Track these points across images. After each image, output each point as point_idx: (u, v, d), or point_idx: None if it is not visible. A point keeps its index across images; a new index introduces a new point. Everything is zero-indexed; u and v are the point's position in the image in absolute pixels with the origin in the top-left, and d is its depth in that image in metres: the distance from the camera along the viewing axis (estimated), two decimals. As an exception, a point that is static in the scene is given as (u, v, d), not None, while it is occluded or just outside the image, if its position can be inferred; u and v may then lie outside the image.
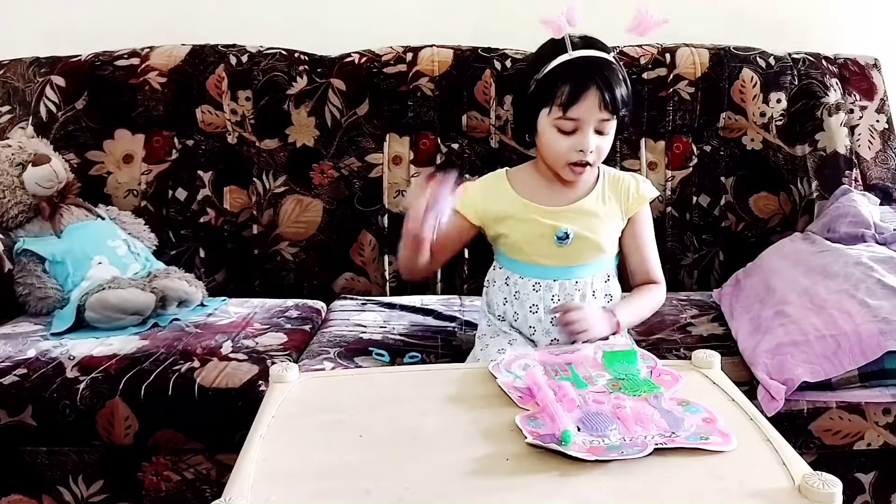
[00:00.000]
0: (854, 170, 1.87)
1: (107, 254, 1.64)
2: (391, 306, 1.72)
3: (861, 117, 1.91)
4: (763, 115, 1.88)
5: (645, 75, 1.86)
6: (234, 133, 1.85)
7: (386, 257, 1.83)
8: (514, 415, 0.95)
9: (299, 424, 0.97)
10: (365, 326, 1.58)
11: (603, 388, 1.03)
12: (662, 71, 1.86)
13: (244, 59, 1.86)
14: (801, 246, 1.67)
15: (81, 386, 1.31)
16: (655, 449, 0.86)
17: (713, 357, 1.11)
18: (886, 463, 1.37)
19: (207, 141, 1.86)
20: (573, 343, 1.23)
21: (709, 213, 1.87)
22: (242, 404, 1.28)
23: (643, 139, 1.88)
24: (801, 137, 1.89)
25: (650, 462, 0.85)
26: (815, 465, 0.84)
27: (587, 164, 1.27)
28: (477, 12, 2.03)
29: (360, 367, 1.37)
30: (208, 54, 1.86)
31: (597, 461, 0.84)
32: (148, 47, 1.87)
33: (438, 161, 1.85)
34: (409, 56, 1.87)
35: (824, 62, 1.92)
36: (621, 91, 1.25)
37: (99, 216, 1.73)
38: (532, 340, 1.33)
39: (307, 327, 1.59)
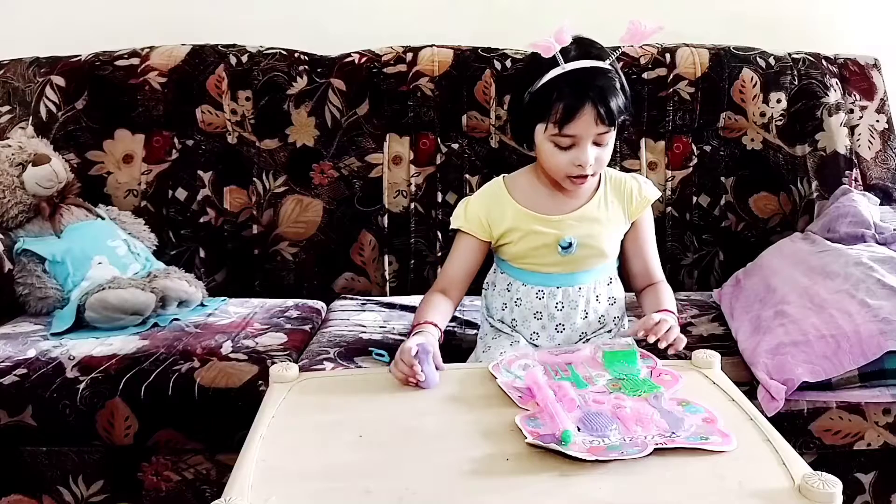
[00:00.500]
0: (854, 170, 1.87)
1: (107, 254, 1.64)
2: (391, 306, 1.72)
3: (861, 117, 1.91)
4: (763, 115, 1.88)
5: (645, 75, 1.86)
6: (234, 133, 1.85)
7: (386, 257, 1.83)
8: (514, 415, 0.95)
9: (299, 424, 0.97)
10: (365, 326, 1.58)
11: (603, 388, 1.03)
12: (662, 71, 1.86)
13: (244, 59, 1.86)
14: (801, 246, 1.67)
15: (81, 386, 1.31)
16: (655, 449, 0.86)
17: (713, 357, 1.11)
18: (886, 463, 1.37)
19: (207, 141, 1.86)
20: (666, 351, 1.17)
21: (709, 213, 1.87)
22: (242, 404, 1.28)
23: (643, 139, 1.88)
24: (801, 137, 1.89)
25: (650, 462, 0.85)
26: (815, 465, 0.84)
27: (587, 175, 1.25)
28: (477, 12, 2.03)
29: (360, 367, 1.37)
30: (208, 54, 1.86)
31: (596, 461, 0.85)
32: (148, 47, 1.87)
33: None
34: (409, 56, 1.86)
35: (824, 62, 1.92)
36: (618, 101, 1.21)
37: (99, 216, 1.73)
38: (535, 345, 1.33)
39: (307, 327, 1.59)
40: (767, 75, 1.88)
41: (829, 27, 2.08)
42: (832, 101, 1.89)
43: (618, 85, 1.22)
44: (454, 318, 1.60)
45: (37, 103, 1.83)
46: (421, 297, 1.75)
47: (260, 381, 1.32)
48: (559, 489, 0.81)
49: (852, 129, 1.90)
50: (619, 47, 1.25)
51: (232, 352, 1.41)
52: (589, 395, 1.00)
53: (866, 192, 1.82)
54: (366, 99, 1.85)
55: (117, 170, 1.84)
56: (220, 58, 1.85)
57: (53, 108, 1.83)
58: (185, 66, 1.84)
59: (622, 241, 1.36)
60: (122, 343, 1.44)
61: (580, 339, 1.33)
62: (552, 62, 1.21)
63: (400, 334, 1.53)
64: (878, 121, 1.91)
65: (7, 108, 1.85)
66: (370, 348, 1.42)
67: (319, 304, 1.75)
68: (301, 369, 1.19)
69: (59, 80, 1.84)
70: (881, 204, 1.78)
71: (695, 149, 1.89)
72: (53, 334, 1.49)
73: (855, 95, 1.91)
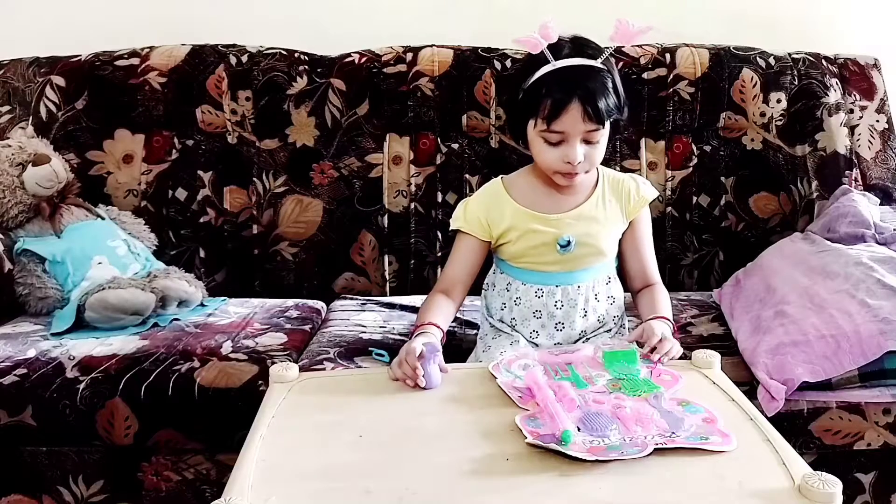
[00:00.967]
0: (854, 170, 1.87)
1: (107, 254, 1.64)
2: (391, 306, 1.72)
3: (861, 117, 1.91)
4: (763, 115, 1.88)
5: (645, 75, 1.86)
6: (234, 133, 1.85)
7: (386, 257, 1.83)
8: (514, 415, 0.95)
9: (299, 424, 0.97)
10: (365, 326, 1.58)
11: (603, 388, 1.03)
12: (662, 71, 1.86)
13: (244, 59, 1.86)
14: (801, 246, 1.67)
15: (81, 386, 1.31)
16: (655, 449, 0.86)
17: (713, 357, 1.11)
18: (886, 463, 1.37)
19: (207, 141, 1.86)
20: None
21: (709, 213, 1.87)
22: (242, 404, 1.28)
23: (643, 139, 1.88)
24: (801, 137, 1.89)
25: (650, 462, 0.85)
26: (815, 465, 0.84)
27: (577, 172, 1.26)
28: (477, 12, 2.03)
29: (360, 367, 1.37)
30: (208, 54, 1.86)
31: (596, 461, 0.85)
32: (148, 47, 1.87)
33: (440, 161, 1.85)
34: (409, 56, 1.86)
35: (824, 62, 1.92)
36: (607, 100, 1.21)
37: (99, 216, 1.73)
38: (535, 344, 1.33)
39: (307, 327, 1.59)
40: (767, 75, 1.88)
41: (829, 27, 2.08)
42: (832, 101, 1.89)
43: (609, 84, 1.23)
44: (454, 319, 1.60)
45: (37, 103, 1.83)
46: (421, 296, 1.76)
47: (260, 381, 1.32)
48: (559, 489, 0.81)
49: (852, 129, 1.90)
50: (621, 47, 1.26)
51: (232, 352, 1.41)
52: (589, 395, 1.00)
53: (866, 192, 1.82)
54: (366, 99, 1.85)
55: (117, 170, 1.84)
56: (220, 58, 1.85)
57: (53, 108, 1.83)
58: (185, 66, 1.84)
59: (620, 241, 1.36)
60: (122, 343, 1.44)
61: (580, 339, 1.33)
62: (545, 60, 1.22)
63: (400, 334, 1.53)
64: (878, 121, 1.91)
65: (7, 108, 1.85)
66: (370, 348, 1.42)
67: (319, 304, 1.75)
68: (301, 369, 1.19)
69: (59, 80, 1.84)
70: (881, 204, 1.78)
71: (695, 149, 1.89)
72: (53, 334, 1.49)
73: (855, 95, 1.91)
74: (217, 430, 1.31)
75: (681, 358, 1.15)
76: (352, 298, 1.79)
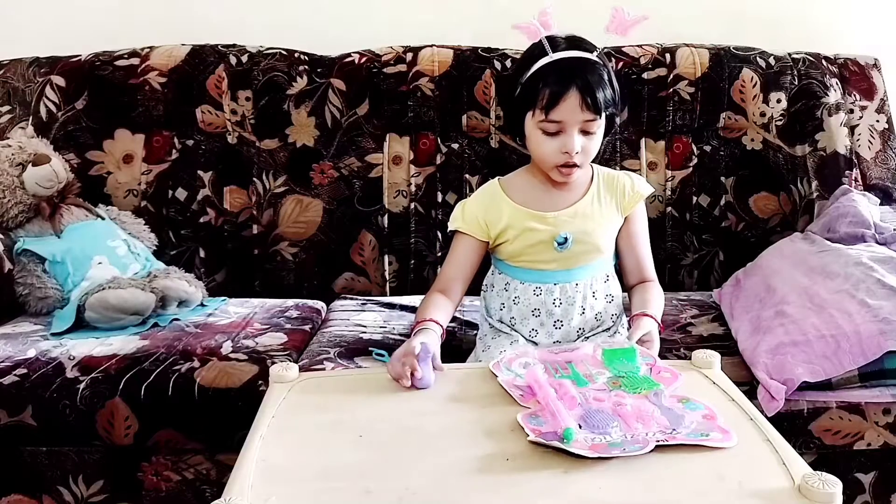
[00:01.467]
0: (854, 170, 1.87)
1: (107, 254, 1.64)
2: (391, 306, 1.72)
3: (861, 117, 1.91)
4: (763, 115, 1.88)
5: (645, 75, 1.86)
6: (234, 133, 1.85)
7: (386, 257, 1.83)
8: (514, 414, 0.95)
9: (299, 424, 0.97)
10: (365, 326, 1.58)
11: (603, 385, 1.03)
12: (662, 71, 1.86)
13: (244, 59, 1.86)
14: (801, 246, 1.67)
15: (81, 386, 1.31)
16: (657, 447, 0.86)
17: (713, 357, 1.11)
18: (886, 463, 1.37)
19: (207, 141, 1.86)
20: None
21: (709, 213, 1.87)
22: (242, 404, 1.28)
23: (643, 139, 1.88)
24: (801, 137, 1.89)
25: (650, 462, 0.85)
26: (815, 465, 0.84)
27: (575, 165, 1.26)
28: (477, 12, 2.03)
29: (360, 367, 1.37)
30: (208, 54, 1.86)
31: (598, 458, 0.85)
32: (148, 47, 1.87)
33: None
34: (409, 56, 1.86)
35: (824, 62, 1.92)
36: (604, 91, 1.23)
37: (99, 216, 1.73)
38: (534, 342, 1.33)
39: (307, 327, 1.59)
40: (767, 75, 1.88)
41: (829, 27, 2.08)
42: (832, 101, 1.89)
43: (605, 76, 1.25)
44: (454, 319, 1.60)
45: (37, 103, 1.83)
46: (421, 297, 1.76)
47: (260, 381, 1.32)
48: (559, 489, 0.81)
49: (852, 129, 1.90)
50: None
51: (232, 352, 1.41)
52: (589, 392, 1.00)
53: (866, 192, 1.82)
54: (366, 99, 1.85)
55: (117, 170, 1.84)
56: (220, 58, 1.85)
57: (53, 108, 1.83)
58: (185, 66, 1.84)
59: (616, 238, 1.37)
60: (122, 343, 1.44)
61: (578, 337, 1.33)
62: (541, 54, 1.24)
63: (400, 334, 1.53)
64: (878, 121, 1.91)
65: (7, 108, 1.85)
66: (370, 348, 1.42)
67: (319, 304, 1.75)
68: (301, 369, 1.19)
69: (59, 80, 1.84)
70: (881, 204, 1.78)
71: (695, 149, 1.89)
72: (53, 334, 1.49)
73: (855, 95, 1.91)
74: (217, 430, 1.31)
75: (681, 358, 1.15)
76: (352, 298, 1.79)
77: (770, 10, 2.07)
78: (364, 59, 1.87)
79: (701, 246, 1.87)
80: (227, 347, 1.43)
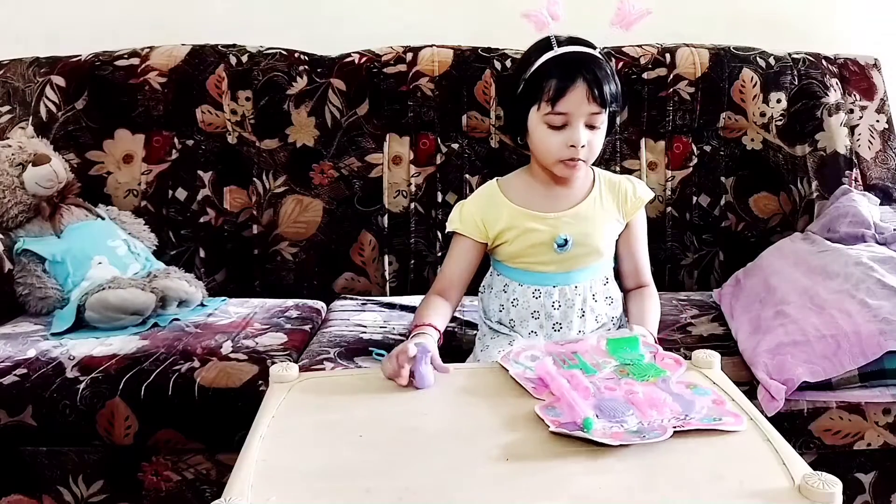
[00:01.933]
0: (854, 170, 1.87)
1: (107, 254, 1.64)
2: (391, 306, 1.72)
3: (861, 117, 1.91)
4: (763, 115, 1.88)
5: (645, 75, 1.86)
6: (234, 133, 1.85)
7: (386, 257, 1.83)
8: (513, 414, 0.96)
9: (299, 424, 0.97)
10: (365, 326, 1.58)
11: (611, 374, 1.04)
12: (662, 71, 1.86)
13: (244, 59, 1.86)
14: (801, 246, 1.67)
15: (81, 386, 1.31)
16: (662, 441, 0.86)
17: (713, 357, 1.11)
18: (886, 463, 1.37)
19: (207, 141, 1.86)
20: None
21: (709, 213, 1.87)
22: (242, 404, 1.28)
23: (643, 139, 1.88)
24: (801, 137, 1.89)
25: (650, 461, 0.85)
26: (815, 465, 0.84)
27: (579, 159, 1.26)
28: (477, 12, 2.03)
29: (360, 367, 1.37)
30: (208, 54, 1.86)
31: (617, 447, 0.85)
32: (148, 47, 1.87)
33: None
34: (409, 56, 1.86)
35: (824, 62, 1.92)
36: (609, 84, 1.24)
37: (99, 216, 1.73)
38: (533, 343, 1.33)
39: (307, 327, 1.59)
40: (767, 75, 1.88)
41: (829, 27, 2.08)
42: (832, 101, 1.89)
43: (609, 70, 1.26)
44: (454, 319, 1.60)
45: (37, 103, 1.83)
46: (421, 297, 1.76)
47: (260, 381, 1.32)
48: (559, 488, 0.81)
49: (852, 129, 1.89)
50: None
51: (232, 352, 1.41)
52: (600, 382, 1.01)
53: (866, 192, 1.82)
54: (366, 99, 1.85)
55: (117, 170, 1.84)
56: (220, 58, 1.85)
57: (53, 108, 1.83)
58: (185, 66, 1.84)
59: (615, 241, 1.37)
60: (122, 343, 1.44)
61: (578, 340, 1.33)
62: (544, 49, 1.25)
63: (400, 334, 1.53)
64: (878, 121, 1.91)
65: (7, 108, 1.85)
66: (370, 348, 1.42)
67: (319, 304, 1.75)
68: (301, 369, 1.19)
69: (59, 80, 1.84)
70: (881, 204, 1.78)
71: (695, 149, 1.89)
72: (53, 334, 1.49)
73: (855, 95, 1.91)
74: (217, 430, 1.31)
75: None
76: (352, 298, 1.79)
77: (770, 10, 2.07)
78: (364, 59, 1.87)
79: (701, 246, 1.87)
80: (227, 347, 1.43)
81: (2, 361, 1.36)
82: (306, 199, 1.83)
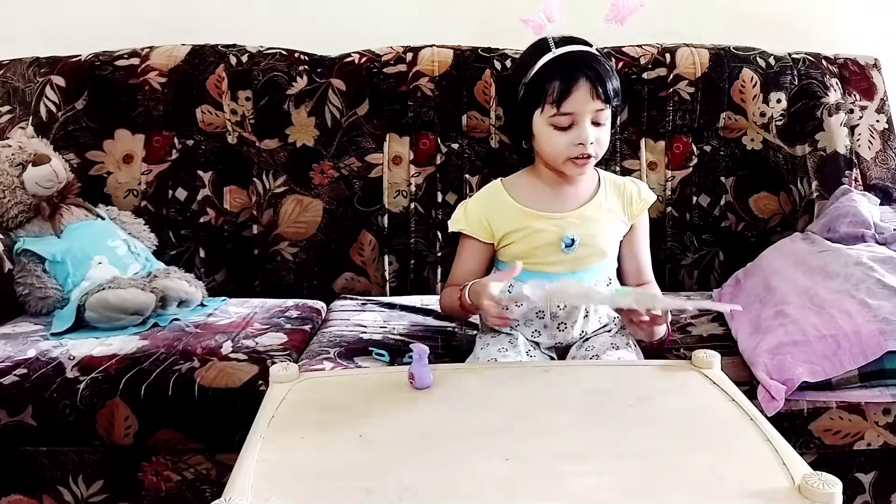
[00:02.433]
0: (854, 170, 1.87)
1: (107, 254, 1.64)
2: (391, 306, 1.72)
3: (861, 117, 1.90)
4: (763, 115, 1.88)
5: (645, 75, 1.86)
6: (234, 133, 1.85)
7: (386, 257, 1.83)
8: (513, 413, 0.96)
9: (299, 424, 0.97)
10: (365, 326, 1.58)
11: None
12: (662, 71, 1.86)
13: (244, 59, 1.86)
14: (801, 246, 1.67)
15: (81, 386, 1.31)
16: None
17: (713, 357, 1.11)
18: (886, 463, 1.37)
19: (207, 141, 1.85)
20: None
21: (709, 213, 1.87)
22: (242, 404, 1.28)
23: (643, 139, 1.88)
24: (801, 137, 1.89)
25: (650, 462, 0.85)
26: (815, 465, 0.84)
27: (589, 156, 1.27)
28: (477, 12, 2.03)
29: (360, 367, 1.37)
30: (208, 54, 1.86)
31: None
32: (148, 47, 1.87)
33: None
34: (409, 56, 1.86)
35: (824, 62, 1.92)
36: (611, 80, 1.25)
37: (99, 216, 1.73)
38: (535, 343, 1.33)
39: (307, 327, 1.59)
40: (767, 75, 1.87)
41: (829, 27, 2.08)
42: (832, 101, 1.89)
43: (608, 66, 1.27)
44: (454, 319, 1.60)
45: (37, 103, 1.83)
46: (421, 297, 1.76)
47: (260, 381, 1.32)
48: (558, 489, 0.81)
49: (852, 129, 1.89)
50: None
51: (232, 352, 1.41)
52: None
53: (866, 192, 1.82)
54: (366, 99, 1.85)
55: (117, 170, 1.84)
56: (220, 58, 1.85)
57: (53, 108, 1.83)
58: (185, 66, 1.84)
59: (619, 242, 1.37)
60: (122, 343, 1.44)
61: (580, 339, 1.33)
62: (542, 52, 1.26)
63: (400, 334, 1.53)
64: (878, 121, 1.91)
65: (7, 108, 1.85)
66: (370, 348, 1.43)
67: (319, 304, 1.74)
68: (301, 369, 1.19)
69: (59, 80, 1.84)
70: (881, 204, 1.78)
71: (695, 149, 1.88)
72: (53, 334, 1.49)
73: (855, 95, 1.91)
74: (217, 430, 1.31)
75: (681, 358, 1.15)
76: (352, 298, 1.79)
77: (770, 10, 2.07)
78: (364, 59, 1.87)
79: (701, 246, 1.86)
80: (227, 347, 1.43)
81: (2, 361, 1.36)
82: (306, 199, 1.83)
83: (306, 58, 1.88)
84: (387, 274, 1.83)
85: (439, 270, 1.81)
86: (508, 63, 1.85)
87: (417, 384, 1.05)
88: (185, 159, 1.84)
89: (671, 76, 1.86)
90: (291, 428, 0.96)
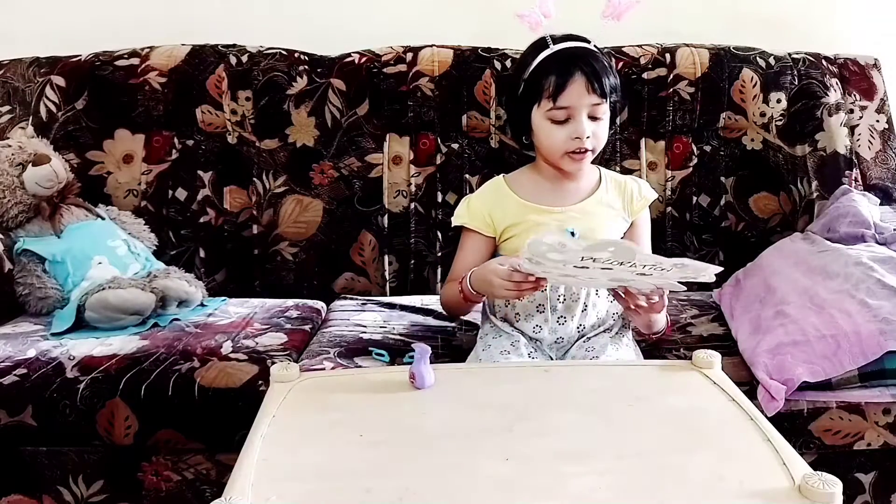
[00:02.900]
0: (854, 170, 1.87)
1: (107, 254, 1.64)
2: (391, 306, 1.72)
3: (861, 117, 1.90)
4: (763, 115, 1.88)
5: (645, 75, 1.86)
6: (234, 133, 1.85)
7: (386, 257, 1.83)
8: (514, 414, 0.96)
9: (299, 424, 0.97)
10: (365, 326, 1.58)
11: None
12: (662, 71, 1.86)
13: (244, 59, 1.86)
14: (801, 246, 1.67)
15: (81, 386, 1.31)
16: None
17: (713, 357, 1.11)
18: (886, 463, 1.37)
19: (207, 141, 1.85)
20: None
21: (709, 213, 1.87)
22: (242, 404, 1.28)
23: (643, 139, 1.88)
24: (801, 137, 1.89)
25: (650, 462, 0.85)
26: (815, 465, 0.84)
27: (586, 150, 1.28)
28: (477, 12, 2.03)
29: (360, 367, 1.37)
30: (208, 54, 1.86)
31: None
32: (148, 47, 1.87)
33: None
34: (409, 56, 1.86)
35: (824, 62, 1.92)
36: (608, 75, 1.27)
37: (99, 216, 1.73)
38: (537, 339, 1.33)
39: (307, 327, 1.59)
40: (767, 75, 1.87)
41: (829, 27, 2.08)
42: (832, 101, 1.89)
43: (606, 62, 1.29)
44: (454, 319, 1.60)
45: (37, 103, 1.83)
46: (421, 297, 1.76)
47: (260, 381, 1.32)
48: (558, 489, 0.81)
49: (852, 129, 1.89)
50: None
51: (232, 352, 1.41)
52: None
53: (866, 192, 1.82)
54: (366, 99, 1.85)
55: (117, 170, 1.84)
56: (220, 58, 1.85)
57: (53, 108, 1.83)
58: (185, 66, 1.84)
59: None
60: (122, 343, 1.44)
61: (579, 336, 1.33)
62: (541, 48, 1.28)
63: (400, 334, 1.53)
64: (878, 121, 1.91)
65: (7, 108, 1.85)
66: (370, 348, 1.43)
67: (319, 304, 1.75)
68: (301, 369, 1.19)
69: (59, 80, 1.84)
70: (881, 204, 1.78)
71: (695, 149, 1.88)
72: (53, 334, 1.49)
73: (855, 95, 1.91)
74: (217, 430, 1.31)
75: (681, 358, 1.15)
76: (352, 298, 1.79)
77: (770, 10, 2.07)
78: (364, 59, 1.87)
79: (701, 246, 1.86)
80: (227, 347, 1.43)
81: (2, 361, 1.36)
82: (306, 199, 1.83)
83: (306, 58, 1.88)
84: (387, 274, 1.83)
85: (439, 270, 1.81)
86: (508, 63, 1.85)
87: (418, 384, 1.05)
88: (185, 159, 1.84)
89: (671, 76, 1.86)
90: (292, 428, 0.96)
